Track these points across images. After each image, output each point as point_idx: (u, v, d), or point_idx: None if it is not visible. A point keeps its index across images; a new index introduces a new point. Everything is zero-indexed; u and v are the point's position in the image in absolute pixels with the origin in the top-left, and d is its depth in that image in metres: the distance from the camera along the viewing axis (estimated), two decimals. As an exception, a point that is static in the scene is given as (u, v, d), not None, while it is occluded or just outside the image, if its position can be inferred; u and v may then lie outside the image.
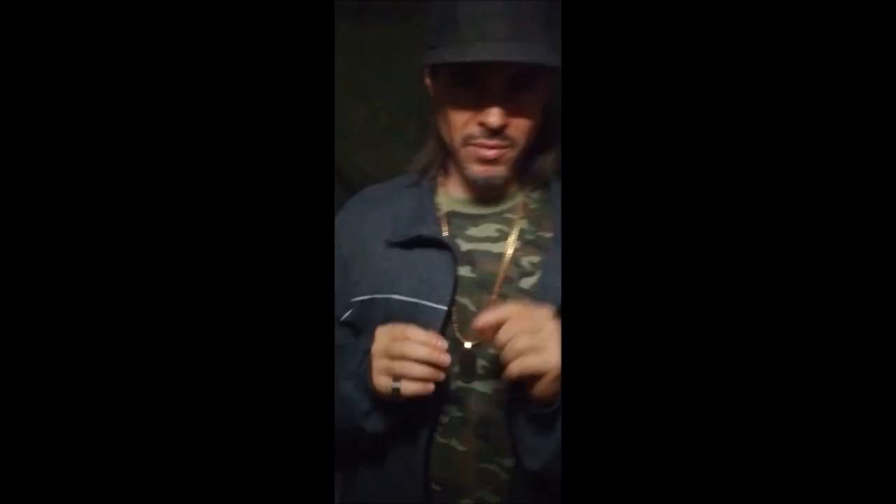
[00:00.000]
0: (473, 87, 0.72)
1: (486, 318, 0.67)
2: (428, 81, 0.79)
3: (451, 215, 0.80)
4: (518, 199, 0.81)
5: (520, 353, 0.65)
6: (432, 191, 0.82)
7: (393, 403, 0.72)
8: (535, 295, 0.74)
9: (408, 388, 0.68)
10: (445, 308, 0.74)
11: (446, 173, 0.83)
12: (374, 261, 0.80)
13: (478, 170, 0.76)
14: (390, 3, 1.14)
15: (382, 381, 0.69)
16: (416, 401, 0.70)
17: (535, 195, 0.82)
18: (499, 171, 0.76)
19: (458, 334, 0.75)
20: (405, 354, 0.68)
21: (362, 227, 0.83)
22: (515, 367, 0.65)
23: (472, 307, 0.76)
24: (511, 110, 0.73)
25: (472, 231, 0.79)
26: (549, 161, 0.80)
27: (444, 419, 0.76)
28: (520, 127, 0.74)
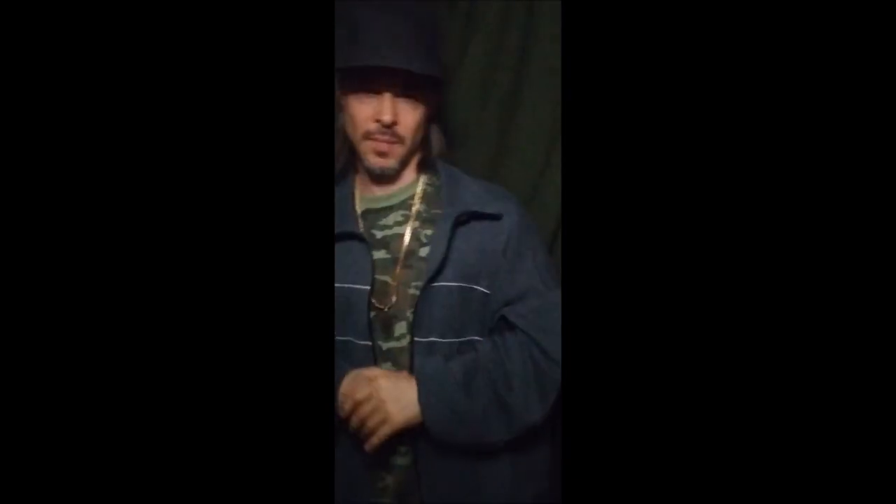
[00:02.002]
0: (371, 89, 0.90)
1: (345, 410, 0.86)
2: (337, 92, 0.95)
3: (366, 213, 0.98)
4: (417, 187, 0.98)
5: (371, 433, 0.85)
6: (351, 194, 0.99)
7: None
8: (427, 259, 0.91)
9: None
10: (368, 287, 0.91)
11: (356, 172, 1.00)
12: None
13: (374, 160, 0.93)
14: (390, 3, 1.14)
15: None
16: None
17: (431, 181, 0.99)
18: (390, 162, 0.94)
19: (374, 302, 0.92)
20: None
21: None
22: (373, 444, 0.85)
23: (390, 280, 0.93)
24: (401, 112, 0.91)
25: (383, 221, 0.97)
26: (433, 151, 0.99)
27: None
28: (407, 126, 0.92)
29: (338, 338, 0.91)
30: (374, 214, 0.97)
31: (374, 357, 0.90)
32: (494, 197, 0.96)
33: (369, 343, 0.90)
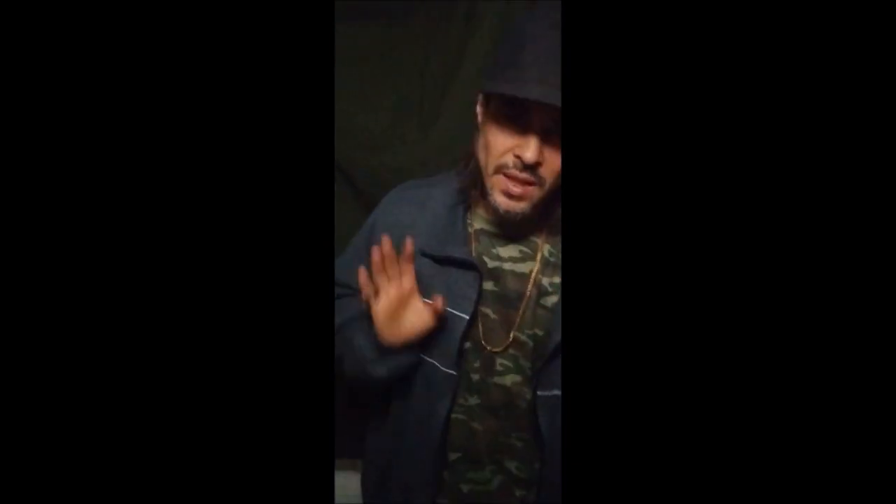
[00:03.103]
0: (519, 122, 0.78)
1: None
2: (479, 108, 0.85)
3: (480, 233, 0.88)
4: (545, 225, 0.87)
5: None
6: (465, 209, 0.89)
7: (396, 350, 0.83)
8: (555, 312, 0.83)
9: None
10: (468, 317, 0.83)
11: (481, 194, 0.88)
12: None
13: (502, 201, 0.81)
14: (390, 3, 1.14)
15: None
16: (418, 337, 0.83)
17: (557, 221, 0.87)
18: (522, 206, 0.81)
19: (482, 341, 0.86)
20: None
21: (400, 220, 0.91)
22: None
23: (493, 316, 0.86)
24: (547, 151, 0.78)
25: (499, 250, 0.87)
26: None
27: (464, 404, 0.87)
28: (551, 168, 0.79)
29: (420, 356, 0.86)
30: (490, 238, 0.87)
31: (460, 387, 0.85)
32: None
33: (454, 373, 0.84)
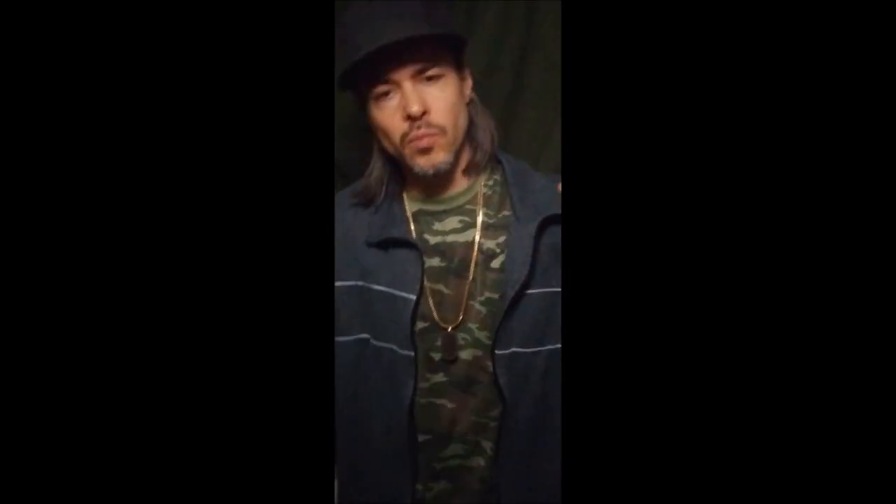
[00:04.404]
0: (387, 84, 0.79)
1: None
2: (368, 113, 0.85)
3: (418, 214, 0.89)
4: (474, 189, 0.88)
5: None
6: (399, 196, 0.90)
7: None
8: (502, 271, 0.84)
9: None
10: (414, 297, 0.83)
11: (404, 180, 0.91)
12: (356, 254, 0.89)
13: (421, 162, 0.82)
14: (390, 3, 1.14)
15: None
16: None
17: (490, 181, 0.89)
18: (439, 158, 0.82)
19: (437, 319, 0.86)
20: None
21: (344, 220, 0.91)
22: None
23: (447, 291, 0.86)
24: (427, 99, 0.79)
25: (438, 226, 0.88)
26: (486, 143, 0.87)
27: (426, 384, 0.86)
28: (441, 113, 0.80)
29: (376, 343, 0.86)
30: (427, 216, 0.88)
31: (421, 369, 0.85)
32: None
33: (412, 353, 0.84)
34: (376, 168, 0.89)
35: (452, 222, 0.88)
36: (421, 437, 0.88)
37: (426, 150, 0.81)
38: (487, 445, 0.87)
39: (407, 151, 0.82)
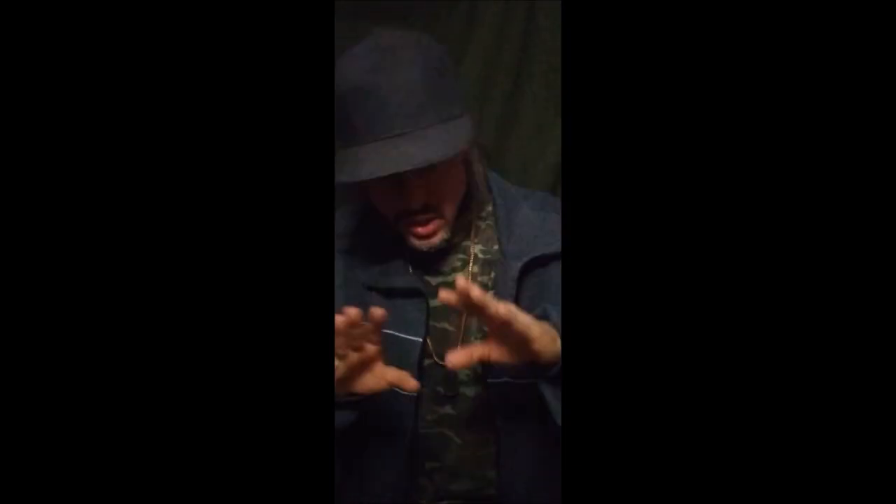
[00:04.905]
0: (389, 178, 0.73)
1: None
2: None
3: (417, 256, 0.85)
4: (470, 224, 0.87)
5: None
6: (399, 237, 0.84)
7: (354, 400, 0.77)
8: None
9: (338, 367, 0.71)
10: (420, 339, 0.82)
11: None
12: (357, 293, 0.86)
13: (418, 242, 0.80)
14: (390, 3, 1.14)
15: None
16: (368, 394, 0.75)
17: (483, 213, 0.88)
18: (437, 239, 0.80)
19: (436, 358, 0.85)
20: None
21: (337, 265, 0.87)
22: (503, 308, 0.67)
23: (450, 328, 0.85)
24: (430, 187, 0.76)
25: (438, 266, 0.87)
26: (482, 187, 0.85)
27: (433, 416, 0.86)
28: (443, 199, 0.78)
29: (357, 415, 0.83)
30: (426, 259, 0.86)
31: (428, 401, 0.85)
32: (551, 226, 0.83)
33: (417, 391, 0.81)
34: (365, 229, 0.87)
35: (452, 261, 0.87)
36: (429, 465, 0.89)
37: (425, 237, 0.80)
38: (492, 475, 0.88)
39: (402, 227, 0.80)
